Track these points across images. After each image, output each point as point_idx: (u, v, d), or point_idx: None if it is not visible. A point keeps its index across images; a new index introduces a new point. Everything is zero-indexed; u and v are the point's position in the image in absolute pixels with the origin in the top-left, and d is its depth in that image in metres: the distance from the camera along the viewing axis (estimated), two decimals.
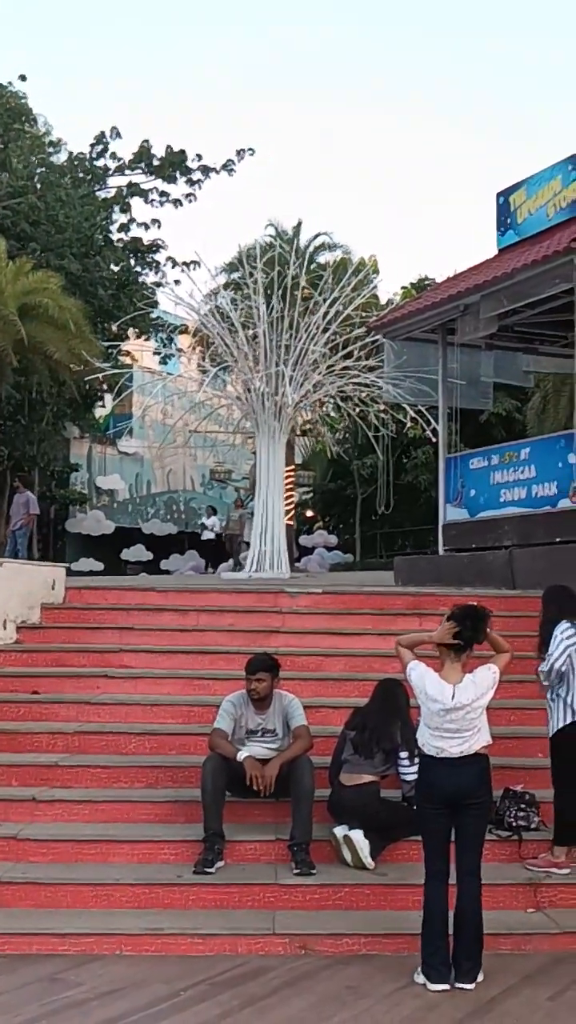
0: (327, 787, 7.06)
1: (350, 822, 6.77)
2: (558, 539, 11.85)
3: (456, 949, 5.65)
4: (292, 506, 25.43)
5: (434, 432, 15.48)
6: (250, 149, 29.02)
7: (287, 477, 19.35)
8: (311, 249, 27.99)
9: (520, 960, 5.97)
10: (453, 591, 10.97)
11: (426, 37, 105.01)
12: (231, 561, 23.96)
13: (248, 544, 17.42)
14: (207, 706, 7.85)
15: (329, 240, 32.56)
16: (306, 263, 17.92)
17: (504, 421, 28.60)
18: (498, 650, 6.11)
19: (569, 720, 6.77)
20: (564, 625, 6.96)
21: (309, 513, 37.50)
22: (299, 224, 32.61)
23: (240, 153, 28.94)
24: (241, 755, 6.86)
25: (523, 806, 7.08)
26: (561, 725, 6.81)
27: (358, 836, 6.64)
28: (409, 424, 18.61)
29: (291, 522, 23.25)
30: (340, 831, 6.75)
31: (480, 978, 5.62)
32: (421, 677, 5.97)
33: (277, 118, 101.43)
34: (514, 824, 6.99)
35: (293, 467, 27.08)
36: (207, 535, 27.53)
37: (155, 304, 27.29)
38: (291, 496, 25.24)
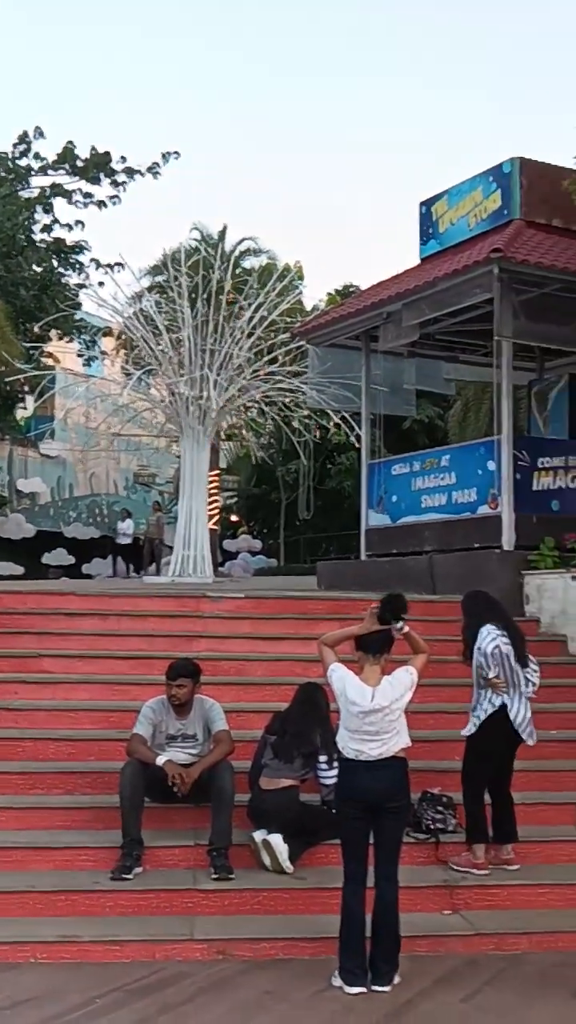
0: (247, 792, 7.07)
1: (269, 827, 6.78)
2: (477, 544, 12.01)
3: (373, 952, 5.69)
4: (216, 511, 25.39)
5: (358, 438, 15.59)
6: (175, 152, 28.85)
7: (211, 481, 19.34)
8: (236, 254, 28.07)
9: (436, 962, 6.03)
10: (374, 596, 11.00)
11: (352, 49, 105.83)
12: (154, 566, 23.86)
13: (171, 548, 17.36)
14: (127, 711, 7.79)
15: (254, 245, 32.61)
16: (231, 267, 17.97)
17: (427, 428, 28.87)
18: (416, 650, 6.18)
19: (481, 720, 6.89)
20: (490, 626, 7.08)
21: (233, 518, 37.48)
22: (224, 228, 32.59)
23: (165, 156, 28.79)
24: (160, 759, 6.83)
25: (440, 808, 7.17)
26: (475, 730, 6.91)
27: (277, 840, 6.66)
28: (333, 430, 18.73)
29: (215, 527, 23.21)
30: (259, 836, 6.75)
31: (396, 980, 5.67)
32: (342, 680, 6.01)
33: (204, 123, 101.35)
34: (432, 826, 7.07)
35: (217, 471, 27.03)
36: (123, 539, 27.31)
37: (78, 306, 27.00)
38: (215, 500, 25.21)
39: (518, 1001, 5.54)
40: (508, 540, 11.73)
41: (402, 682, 5.98)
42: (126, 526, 27.46)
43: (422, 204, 13.95)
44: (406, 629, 6.14)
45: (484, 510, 12.11)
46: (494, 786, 7.05)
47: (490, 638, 6.94)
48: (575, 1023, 5.29)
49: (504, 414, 11.96)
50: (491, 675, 6.89)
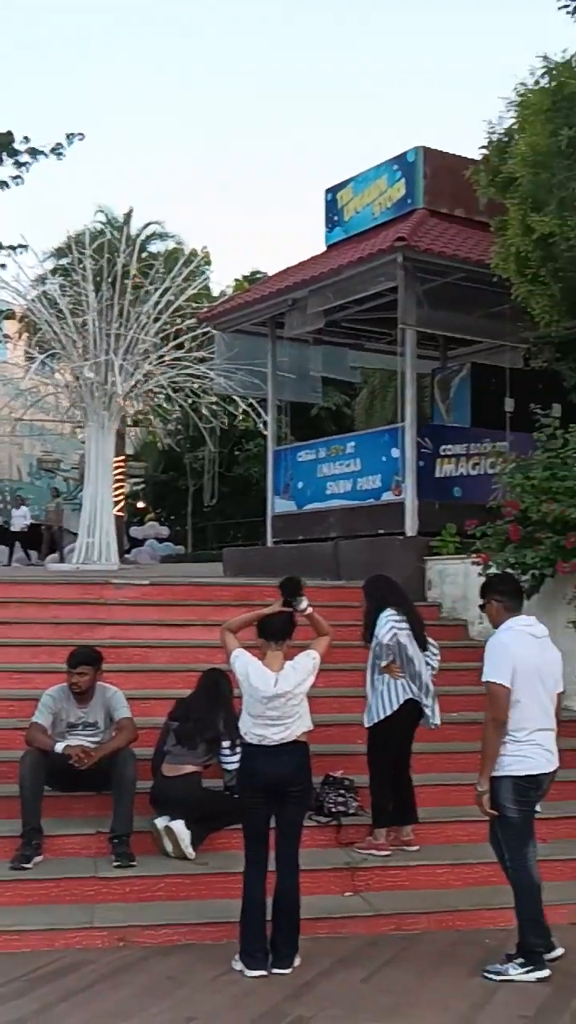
0: (150, 779, 7.04)
1: (172, 813, 6.77)
2: (381, 531, 12.15)
3: (274, 935, 5.74)
4: (122, 497, 25.15)
5: (265, 424, 15.61)
6: (79, 134, 28.35)
7: (117, 468, 19.14)
8: (142, 237, 27.75)
9: (336, 943, 6.10)
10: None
11: (262, 36, 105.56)
12: (57, 553, 23.56)
13: (74, 535, 17.17)
14: (29, 700, 7.65)
15: (161, 229, 32.36)
16: (137, 251, 17.77)
17: (334, 416, 29.02)
18: (319, 633, 6.23)
19: (386, 713, 6.98)
20: (390, 611, 7.16)
21: (140, 505, 37.17)
22: (130, 212, 32.27)
23: (70, 137, 28.35)
24: (59, 747, 6.77)
25: (342, 792, 7.25)
26: (379, 718, 7.00)
27: (179, 827, 6.66)
28: (240, 416, 18.72)
29: (121, 513, 23.00)
30: (161, 822, 6.75)
31: (297, 962, 5.72)
32: (244, 665, 6.02)
33: (111, 106, 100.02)
34: (333, 810, 7.14)
35: (123, 458, 26.76)
36: (18, 525, 26.84)
37: None
38: (121, 487, 24.95)
39: (416, 980, 5.64)
40: (411, 526, 11.89)
41: (304, 667, 6.02)
42: (20, 513, 27.02)
43: (328, 191, 14.01)
44: (309, 610, 6.19)
45: (388, 497, 12.25)
46: (394, 769, 7.15)
47: (387, 627, 7.02)
48: (471, 999, 5.39)
49: (408, 402, 12.10)
50: (383, 663, 6.99)
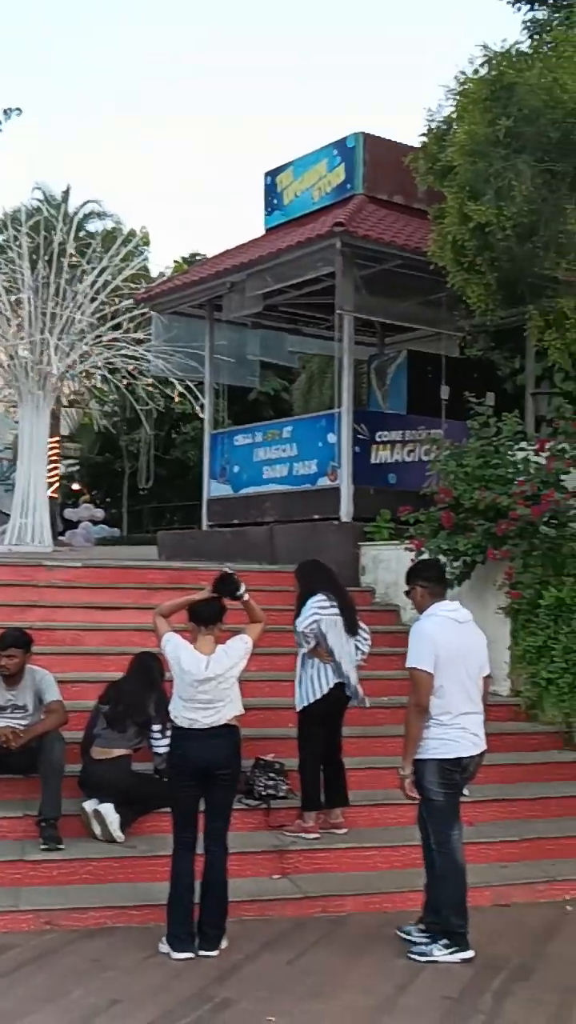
0: (79, 762, 7.00)
1: (101, 796, 6.74)
2: (316, 516, 12.18)
3: (201, 917, 5.75)
4: (56, 478, 24.93)
5: (202, 408, 15.56)
6: (17, 109, 28.02)
7: (51, 449, 18.95)
8: (80, 216, 27.47)
9: (264, 926, 6.13)
10: (215, 566, 11.04)
11: (205, 20, 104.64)
12: None
13: (7, 516, 16.97)
14: None
15: (99, 208, 31.96)
16: (74, 230, 17.57)
17: (273, 400, 29.00)
18: (253, 619, 6.24)
19: (315, 697, 7.01)
20: (319, 596, 7.18)
21: (75, 486, 36.85)
22: (68, 190, 31.80)
23: (7, 112, 27.93)
24: None
25: (272, 775, 7.27)
26: (307, 703, 7.03)
27: (107, 810, 6.63)
28: (177, 399, 18.61)
29: (55, 495, 22.82)
30: (90, 805, 6.71)
31: (224, 945, 5.74)
32: (175, 649, 6.01)
33: (50, 84, 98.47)
34: (263, 793, 7.17)
35: (58, 439, 26.52)
36: None
37: None
38: (55, 468, 24.75)
39: (342, 961, 5.68)
40: (346, 512, 11.94)
41: (236, 651, 6.02)
42: None
43: (267, 174, 13.95)
44: (245, 596, 6.20)
45: (324, 482, 12.29)
46: (325, 752, 7.19)
47: (307, 614, 7.04)
48: (396, 980, 5.44)
49: (344, 388, 12.13)
50: (302, 650, 7.03)
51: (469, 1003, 5.18)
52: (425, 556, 9.48)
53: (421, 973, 5.54)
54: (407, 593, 6.26)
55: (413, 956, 5.71)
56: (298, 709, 7.13)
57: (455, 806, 5.85)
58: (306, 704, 7.06)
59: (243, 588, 6.20)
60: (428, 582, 6.10)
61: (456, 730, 5.75)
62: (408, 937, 5.88)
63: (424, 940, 5.80)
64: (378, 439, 12.65)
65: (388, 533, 11.36)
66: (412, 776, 5.76)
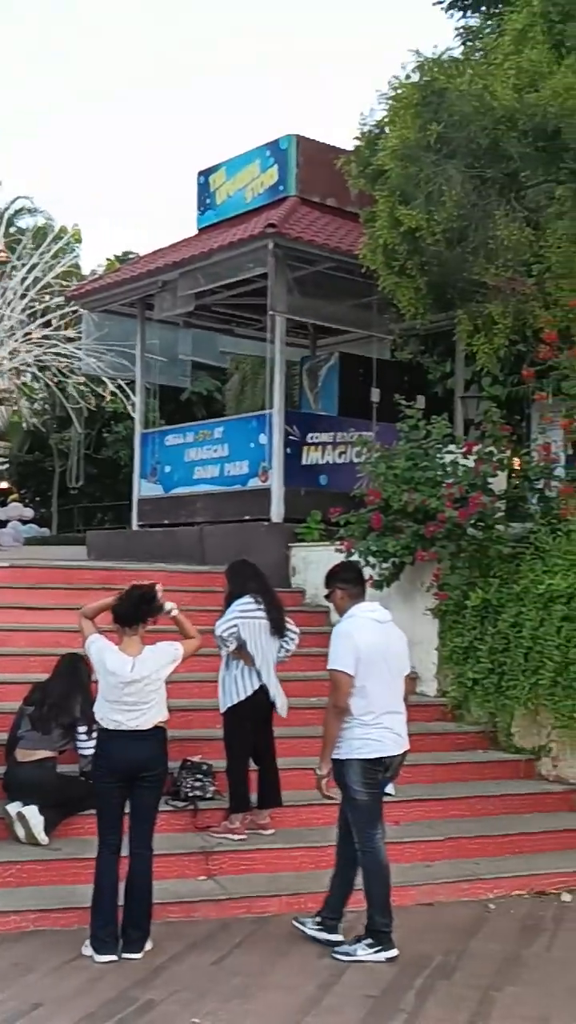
0: (3, 764, 6.92)
1: (25, 799, 6.66)
2: (247, 517, 12.18)
3: (125, 920, 5.71)
4: None
5: (134, 407, 15.48)
6: None
7: None
8: (10, 212, 27.12)
9: (188, 927, 6.11)
10: (145, 567, 11.02)
11: (142, 11, 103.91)
12: None
13: None
14: None
15: (30, 204, 31.60)
16: (4, 226, 17.38)
17: (205, 401, 28.91)
18: (184, 635, 6.19)
19: (239, 698, 7.01)
20: (246, 599, 7.18)
21: (4, 485, 36.41)
22: None
23: None
24: None
25: (200, 776, 7.25)
26: (233, 703, 7.03)
27: (31, 812, 6.55)
28: (108, 398, 18.52)
29: None
30: (13, 808, 6.63)
31: (148, 947, 5.71)
32: (100, 651, 5.96)
33: None
34: (190, 794, 7.14)
35: None
36: None
37: None
38: None
39: (265, 962, 5.69)
40: (277, 513, 11.96)
41: (165, 653, 5.98)
42: None
43: (200, 174, 13.92)
44: (174, 612, 6.14)
45: (255, 483, 12.29)
46: (257, 753, 7.20)
47: (229, 619, 7.04)
48: (319, 980, 5.46)
49: (276, 389, 12.14)
50: (226, 651, 7.03)
51: (391, 1001, 5.22)
52: (355, 557, 9.55)
53: (345, 972, 5.56)
54: (327, 596, 6.31)
55: (337, 956, 5.74)
56: (222, 711, 7.13)
57: (378, 805, 5.89)
58: (230, 705, 7.07)
59: (171, 604, 6.11)
60: (347, 584, 6.15)
61: (379, 730, 5.79)
62: (303, 928, 5.92)
63: (318, 933, 5.83)
64: (309, 440, 12.70)
65: (318, 534, 11.41)
66: (328, 776, 5.80)
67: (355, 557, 9.53)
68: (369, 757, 5.76)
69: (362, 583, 6.27)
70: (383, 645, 5.92)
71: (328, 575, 6.31)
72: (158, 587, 6.04)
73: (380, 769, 5.82)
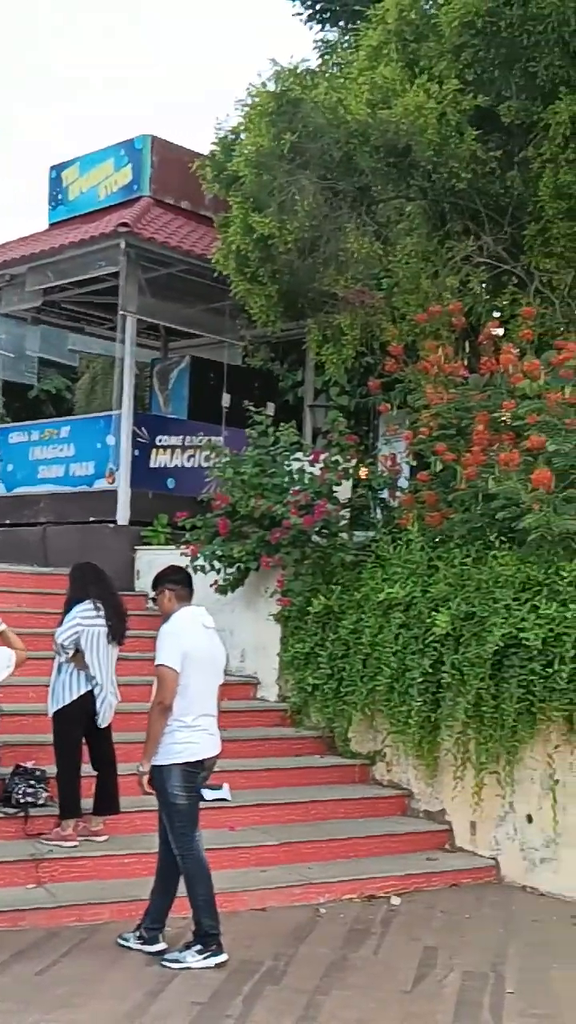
0: None
1: None
2: (92, 518, 12.00)
3: None
4: None
5: None
6: None
7: None
8: None
9: (15, 936, 5.95)
10: None
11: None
12: None
13: None
14: None
15: None
16: None
17: (54, 399, 28.31)
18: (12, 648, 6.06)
19: (67, 701, 6.90)
20: (86, 604, 7.06)
21: None
22: None
23: None
24: None
25: (32, 782, 7.08)
26: (60, 706, 6.91)
27: None
28: None
29: None
30: None
31: None
32: None
33: None
34: (21, 800, 6.97)
35: None
36: None
37: None
38: None
39: (94, 970, 5.58)
40: (123, 515, 11.83)
41: None
42: None
43: (52, 168, 13.71)
44: (2, 627, 6.02)
45: (101, 484, 12.13)
46: (95, 758, 7.09)
47: (70, 626, 6.94)
48: (147, 988, 5.40)
49: (126, 390, 12.02)
50: (63, 658, 6.92)
51: (219, 1008, 5.19)
52: (200, 562, 9.53)
53: (174, 980, 5.51)
54: (153, 599, 6.28)
55: (167, 964, 5.68)
56: (50, 714, 6.98)
57: (197, 808, 5.87)
58: (57, 708, 6.93)
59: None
60: (176, 585, 6.15)
61: (198, 732, 5.79)
62: (127, 944, 5.86)
63: (142, 947, 5.79)
64: (158, 443, 12.63)
65: (165, 538, 11.35)
66: (148, 774, 5.76)
67: (200, 561, 9.52)
68: (190, 760, 5.75)
69: (190, 586, 6.26)
70: (208, 649, 5.95)
71: (157, 577, 6.29)
72: None
73: (200, 771, 5.82)
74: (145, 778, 5.75)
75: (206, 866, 5.79)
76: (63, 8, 46.54)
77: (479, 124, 9.81)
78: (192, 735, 5.75)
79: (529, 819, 7.48)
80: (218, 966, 5.68)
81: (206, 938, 5.70)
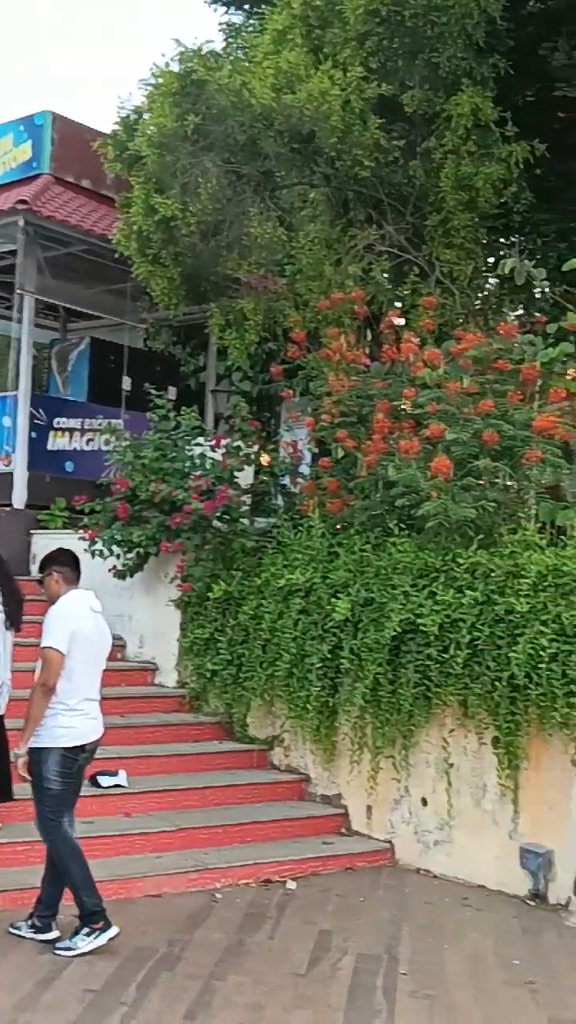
0: None
1: None
2: None
3: None
4: None
5: None
6: None
7: None
8: None
9: None
10: None
11: None
12: None
13: None
14: None
15: None
16: None
17: None
18: None
19: None
20: None
21: None
22: None
23: None
24: None
25: None
26: None
27: None
28: None
29: None
30: None
31: None
32: None
33: None
34: None
35: None
36: None
37: None
38: None
39: None
40: (19, 498, 11.62)
41: None
42: None
43: None
44: None
45: None
46: None
47: None
48: (39, 977, 5.32)
49: (23, 370, 11.80)
50: None
51: (112, 995, 5.15)
52: (99, 546, 9.42)
53: (66, 968, 5.44)
54: (40, 581, 6.17)
55: (59, 952, 5.60)
56: None
57: (71, 794, 5.80)
58: None
59: None
60: (64, 567, 6.06)
61: (80, 717, 5.73)
62: (19, 933, 5.79)
63: (35, 935, 5.72)
64: (56, 425, 12.43)
65: (62, 522, 11.19)
66: (27, 757, 5.67)
67: (99, 546, 9.41)
68: (70, 745, 5.68)
69: (78, 569, 6.17)
70: (95, 633, 5.91)
71: (44, 559, 6.19)
72: None
73: (80, 756, 5.76)
74: (22, 760, 5.66)
75: (77, 846, 5.73)
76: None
77: (383, 113, 9.85)
78: (74, 719, 5.68)
79: (424, 802, 7.59)
80: (111, 940, 5.61)
81: (92, 916, 5.63)
